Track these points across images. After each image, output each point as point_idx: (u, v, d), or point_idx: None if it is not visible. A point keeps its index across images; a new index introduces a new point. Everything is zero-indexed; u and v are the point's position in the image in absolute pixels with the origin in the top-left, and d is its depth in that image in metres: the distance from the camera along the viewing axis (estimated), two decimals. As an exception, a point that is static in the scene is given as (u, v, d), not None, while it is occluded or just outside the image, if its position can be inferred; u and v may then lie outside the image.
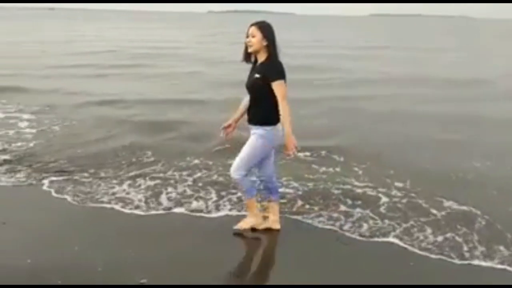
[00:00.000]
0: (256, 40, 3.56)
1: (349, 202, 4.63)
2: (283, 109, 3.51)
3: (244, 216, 4.09)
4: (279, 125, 3.64)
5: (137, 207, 4.42)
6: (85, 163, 5.55)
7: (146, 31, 41.44)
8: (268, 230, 3.98)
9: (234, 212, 4.36)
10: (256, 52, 3.62)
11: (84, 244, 3.71)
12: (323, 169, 5.56)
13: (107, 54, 18.92)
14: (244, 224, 4.00)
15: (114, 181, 5.03)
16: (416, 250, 3.75)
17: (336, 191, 4.87)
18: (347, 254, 3.73)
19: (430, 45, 30.68)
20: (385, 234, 3.99)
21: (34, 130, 7.10)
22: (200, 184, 5.00)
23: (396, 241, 3.89)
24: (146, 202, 4.53)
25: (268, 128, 3.63)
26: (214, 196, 4.71)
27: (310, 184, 5.04)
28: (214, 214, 4.33)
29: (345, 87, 12.11)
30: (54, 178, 5.06)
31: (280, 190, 4.81)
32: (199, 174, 5.30)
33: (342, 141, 6.69)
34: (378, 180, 5.19)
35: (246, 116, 3.80)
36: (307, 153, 6.01)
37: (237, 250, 3.84)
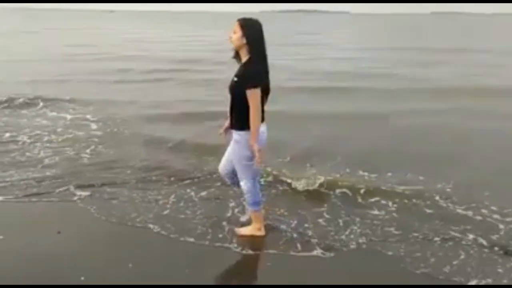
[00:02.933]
0: (236, 37, 3.38)
1: (454, 227, 4.14)
2: (252, 120, 3.35)
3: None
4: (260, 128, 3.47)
5: (201, 235, 3.95)
6: (141, 178, 5.28)
7: (201, 32, 41.48)
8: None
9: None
10: (238, 49, 3.44)
11: (136, 265, 3.48)
12: (402, 187, 4.95)
13: (162, 59, 18.09)
14: (245, 231, 3.92)
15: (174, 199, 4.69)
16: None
17: (428, 211, 4.43)
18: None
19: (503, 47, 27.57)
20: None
21: (99, 133, 7.06)
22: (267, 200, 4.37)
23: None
24: (211, 230, 4.02)
25: (242, 133, 3.48)
26: (292, 220, 4.16)
27: (394, 203, 4.60)
28: (301, 253, 3.67)
29: (416, 98, 10.62)
30: (107, 189, 4.89)
31: (371, 211, 4.44)
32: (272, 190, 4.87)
33: (420, 162, 5.99)
34: (475, 200, 4.66)
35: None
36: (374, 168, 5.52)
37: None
